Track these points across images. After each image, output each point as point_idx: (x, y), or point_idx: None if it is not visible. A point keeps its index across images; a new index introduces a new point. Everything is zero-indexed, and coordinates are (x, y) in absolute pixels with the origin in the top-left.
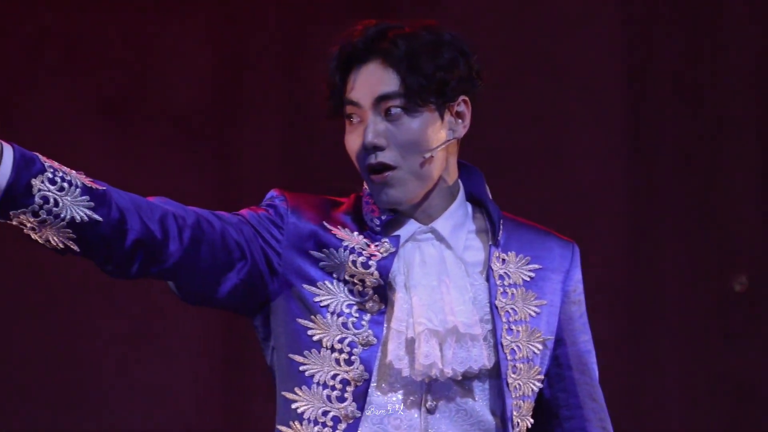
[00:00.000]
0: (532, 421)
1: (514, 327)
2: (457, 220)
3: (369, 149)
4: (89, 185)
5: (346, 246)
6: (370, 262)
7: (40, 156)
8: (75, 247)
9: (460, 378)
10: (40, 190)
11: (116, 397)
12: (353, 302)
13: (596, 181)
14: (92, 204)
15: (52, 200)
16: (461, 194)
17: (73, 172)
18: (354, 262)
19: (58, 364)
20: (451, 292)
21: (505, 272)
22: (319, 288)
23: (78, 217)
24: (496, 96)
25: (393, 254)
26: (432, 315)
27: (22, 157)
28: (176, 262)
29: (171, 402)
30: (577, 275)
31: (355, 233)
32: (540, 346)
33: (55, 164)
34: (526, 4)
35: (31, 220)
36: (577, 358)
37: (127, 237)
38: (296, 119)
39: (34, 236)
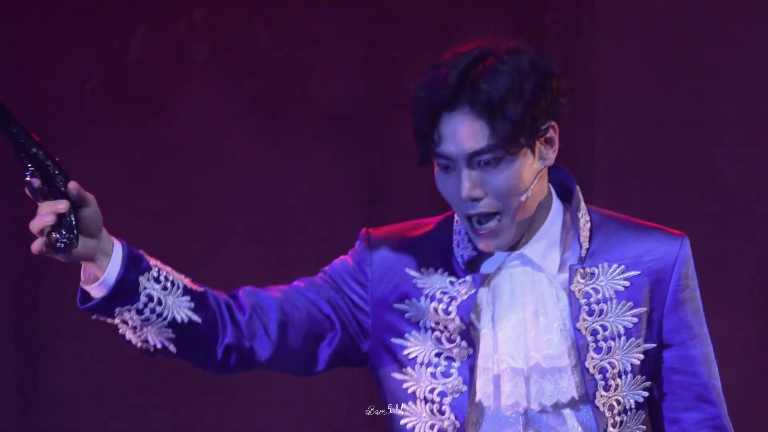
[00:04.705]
0: (644, 428)
1: (604, 344)
2: (550, 239)
3: (467, 200)
4: (189, 286)
5: (427, 294)
6: (450, 308)
7: (145, 254)
8: (172, 348)
9: (550, 411)
10: (145, 288)
11: (257, 401)
12: (441, 350)
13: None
14: (192, 305)
15: (156, 299)
16: (554, 208)
17: (174, 272)
18: (436, 309)
19: None
20: (538, 324)
21: (592, 288)
22: (407, 340)
23: (179, 318)
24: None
25: (473, 295)
26: (515, 351)
27: (131, 254)
28: (269, 357)
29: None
30: (685, 270)
31: (439, 271)
32: (641, 356)
33: (159, 263)
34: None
35: (135, 318)
36: (682, 359)
37: (220, 342)
38: None
39: (130, 336)
